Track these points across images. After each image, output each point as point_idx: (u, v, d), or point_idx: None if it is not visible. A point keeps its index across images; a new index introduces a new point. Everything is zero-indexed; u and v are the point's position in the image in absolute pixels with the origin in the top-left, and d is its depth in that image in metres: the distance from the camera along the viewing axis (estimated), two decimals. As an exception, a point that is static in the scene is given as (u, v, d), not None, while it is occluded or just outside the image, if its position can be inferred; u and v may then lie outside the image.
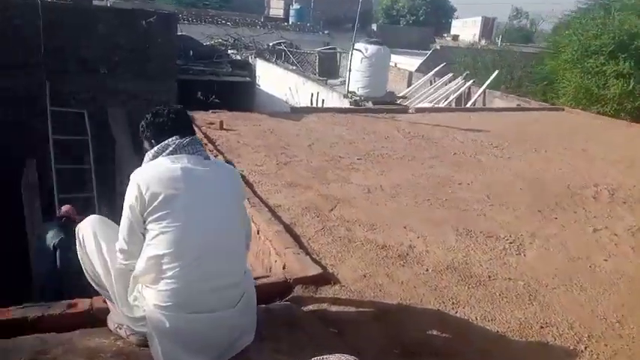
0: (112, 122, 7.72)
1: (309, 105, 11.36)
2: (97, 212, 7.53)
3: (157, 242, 2.02)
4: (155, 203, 2.03)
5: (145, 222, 2.06)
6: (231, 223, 2.20)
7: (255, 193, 4.24)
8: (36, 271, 7.06)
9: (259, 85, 14.72)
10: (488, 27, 35.26)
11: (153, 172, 2.10)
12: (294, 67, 15.24)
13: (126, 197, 2.11)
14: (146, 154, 2.24)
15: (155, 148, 2.19)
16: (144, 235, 2.08)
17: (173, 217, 2.03)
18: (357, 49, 10.16)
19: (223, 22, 20.36)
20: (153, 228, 2.04)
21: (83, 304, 2.55)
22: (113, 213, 7.25)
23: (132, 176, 2.12)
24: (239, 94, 14.52)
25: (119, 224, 2.23)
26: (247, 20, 21.22)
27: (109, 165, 7.82)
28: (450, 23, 40.32)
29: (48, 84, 7.37)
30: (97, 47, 7.66)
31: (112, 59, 7.75)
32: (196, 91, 13.55)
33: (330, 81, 15.19)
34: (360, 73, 10.14)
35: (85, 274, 2.30)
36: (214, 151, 5.34)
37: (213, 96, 12.18)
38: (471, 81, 12.97)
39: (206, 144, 5.56)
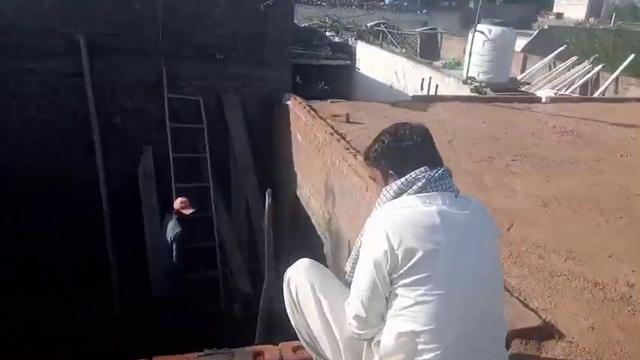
0: (226, 110, 7.42)
1: (420, 91, 10.63)
2: (212, 202, 7.33)
3: (411, 314, 1.51)
4: (411, 263, 1.51)
5: (391, 283, 1.55)
6: (497, 286, 1.64)
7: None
8: (154, 262, 7.00)
9: (359, 69, 14.08)
10: (596, 4, 32.37)
11: (405, 219, 1.57)
12: (402, 50, 14.45)
13: (367, 248, 1.60)
14: (384, 190, 1.71)
15: (399, 183, 1.67)
16: (386, 299, 1.57)
17: (434, 283, 1.50)
18: (479, 31, 9.26)
19: (319, 2, 19.81)
20: (405, 294, 1.52)
21: (271, 353, 2.11)
22: (227, 203, 6.94)
23: (375, 222, 1.60)
24: (339, 79, 13.96)
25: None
26: (343, 0, 20.54)
27: (223, 154, 7.54)
28: (552, 1, 37.42)
29: (165, 70, 7.16)
30: (213, 32, 7.33)
31: (228, 44, 7.39)
32: (295, 75, 13.13)
33: (434, 63, 14.31)
34: (482, 57, 9.24)
35: (297, 333, 1.82)
36: (350, 149, 4.81)
37: (322, 82, 11.66)
38: (600, 66, 11.61)
39: (338, 140, 5.06)
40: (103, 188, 7.12)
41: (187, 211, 6.40)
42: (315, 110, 6.24)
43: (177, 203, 6.45)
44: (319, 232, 5.73)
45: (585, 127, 6.43)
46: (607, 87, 10.94)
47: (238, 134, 7.44)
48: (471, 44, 9.20)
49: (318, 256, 5.78)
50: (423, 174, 1.65)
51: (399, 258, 1.51)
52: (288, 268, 1.87)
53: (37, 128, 6.95)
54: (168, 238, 6.29)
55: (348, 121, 5.90)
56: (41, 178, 7.06)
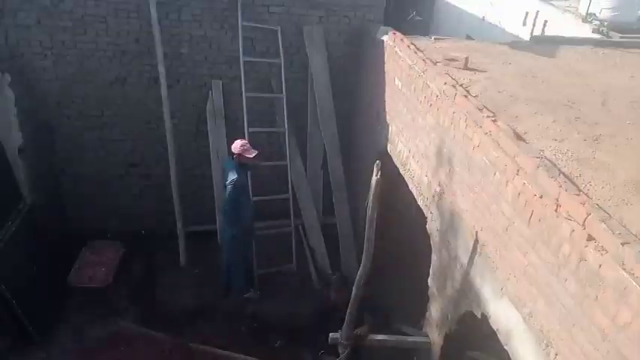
0: (307, 43, 6.34)
1: (522, 27, 9.16)
2: (286, 151, 6.47)
3: None
4: None
5: None
6: None
7: (600, 207, 2.63)
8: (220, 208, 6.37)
9: (441, -5, 12.46)
10: None
11: None
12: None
13: None
14: None
15: None
16: None
17: None
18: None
19: None
20: None
21: None
22: (301, 151, 6.03)
23: None
24: (418, 6, 12.42)
25: None
26: None
27: (300, 94, 6.57)
28: None
29: (239, -7, 6.09)
30: (297, -53, 6.16)
31: (317, -36, 6.21)
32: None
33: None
34: (608, -10, 7.66)
35: None
36: (484, 110, 3.74)
37: (414, 12, 10.20)
38: None
39: (465, 96, 3.98)
40: (167, 123, 6.33)
41: (250, 154, 5.51)
42: (420, 50, 5.11)
43: (237, 146, 5.53)
44: (420, 203, 4.79)
45: None
46: None
47: (319, 73, 6.40)
48: (600, -29, 7.58)
49: (416, 228, 4.90)
50: None
51: None
52: None
53: (94, 54, 6.15)
54: (227, 182, 5.50)
55: (466, 68, 4.77)
56: (98, 110, 6.43)
